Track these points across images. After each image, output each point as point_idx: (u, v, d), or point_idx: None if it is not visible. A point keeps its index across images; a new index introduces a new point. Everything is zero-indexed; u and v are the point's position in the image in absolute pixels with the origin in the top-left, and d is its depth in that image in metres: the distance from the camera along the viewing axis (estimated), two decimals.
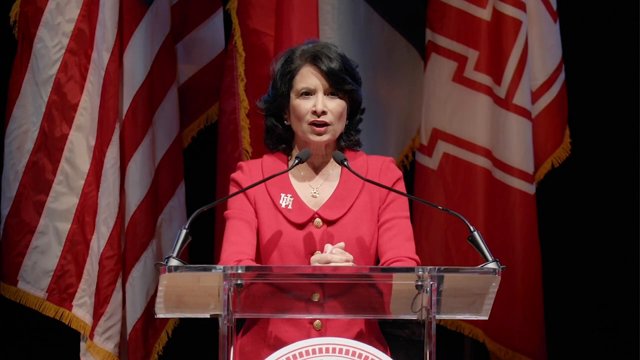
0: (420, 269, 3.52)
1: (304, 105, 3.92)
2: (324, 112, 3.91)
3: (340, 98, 3.94)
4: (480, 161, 6.07)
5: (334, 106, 3.92)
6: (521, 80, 6.03)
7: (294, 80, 3.94)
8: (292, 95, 3.95)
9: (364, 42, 6.01)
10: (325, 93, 3.93)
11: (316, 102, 3.91)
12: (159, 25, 5.77)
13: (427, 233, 6.09)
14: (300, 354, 3.43)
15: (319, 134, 3.92)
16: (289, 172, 3.94)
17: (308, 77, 3.93)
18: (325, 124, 3.91)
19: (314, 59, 3.92)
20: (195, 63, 6.00)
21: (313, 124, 3.91)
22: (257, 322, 3.88)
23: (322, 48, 3.95)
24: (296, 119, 3.94)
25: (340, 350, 3.44)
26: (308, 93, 3.93)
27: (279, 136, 4.02)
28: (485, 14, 6.09)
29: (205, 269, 3.50)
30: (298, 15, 5.75)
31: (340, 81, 3.91)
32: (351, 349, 3.45)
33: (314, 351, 3.43)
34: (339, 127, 3.95)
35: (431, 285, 3.51)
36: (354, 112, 4.01)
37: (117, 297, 5.56)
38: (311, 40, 4.05)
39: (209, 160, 5.96)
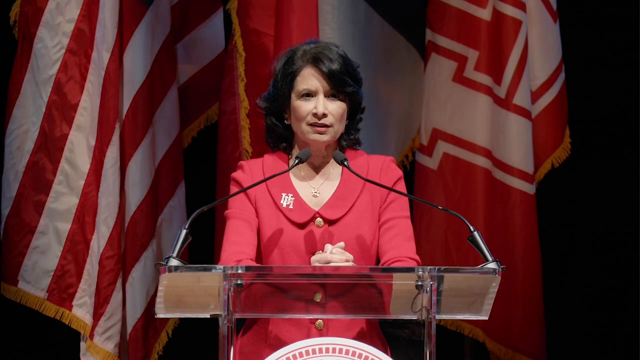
0: (420, 269, 3.52)
1: (305, 107, 3.92)
2: (324, 115, 3.91)
3: (341, 100, 3.94)
4: (480, 161, 6.07)
5: (335, 108, 3.93)
6: (521, 80, 6.02)
7: (295, 81, 3.94)
8: (293, 96, 3.95)
9: (364, 42, 6.01)
10: (326, 95, 3.93)
11: (317, 105, 3.91)
12: (159, 25, 5.77)
13: (427, 233, 6.08)
14: (301, 354, 3.43)
15: (320, 133, 3.92)
16: (290, 171, 3.94)
17: (309, 79, 3.93)
18: (325, 126, 3.91)
19: (315, 60, 3.92)
20: (195, 63, 5.99)
21: (313, 125, 3.91)
22: (257, 321, 3.88)
23: (323, 49, 3.95)
24: (296, 120, 3.94)
25: (341, 350, 3.44)
26: (309, 94, 3.93)
27: (279, 135, 4.02)
28: (485, 14, 6.09)
29: (205, 269, 3.50)
30: (298, 15, 5.75)
31: (341, 83, 3.91)
32: (351, 349, 3.45)
33: (314, 351, 3.43)
34: (339, 129, 3.95)
35: (431, 285, 3.51)
36: (354, 111, 4.01)
37: (117, 297, 5.56)
38: (313, 39, 4.05)
39: (209, 160, 5.96)
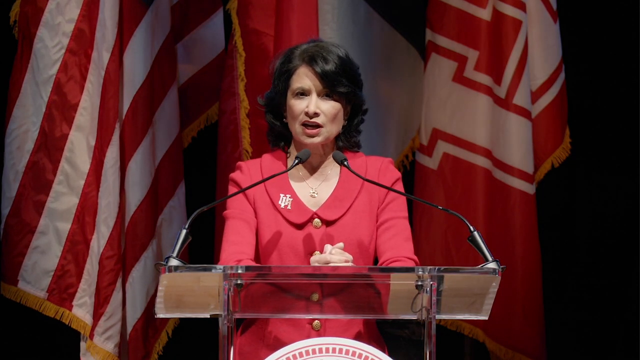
0: (420, 269, 3.52)
1: (298, 106, 3.93)
2: (316, 114, 3.91)
3: (336, 100, 3.93)
4: (480, 161, 6.07)
5: (328, 108, 3.92)
6: (521, 80, 6.02)
7: (291, 80, 3.95)
8: (289, 94, 3.95)
9: (364, 42, 6.01)
10: (320, 94, 3.93)
11: (309, 104, 3.91)
12: (159, 25, 5.77)
13: (427, 233, 6.08)
14: (300, 354, 3.43)
15: (311, 136, 3.92)
16: (288, 172, 3.94)
17: (303, 78, 3.93)
18: (317, 126, 3.91)
19: (311, 60, 3.92)
20: (195, 63, 5.99)
21: (305, 124, 3.92)
22: (254, 321, 3.88)
23: (321, 49, 3.95)
24: (291, 119, 3.95)
25: (340, 350, 3.44)
26: (303, 93, 3.93)
27: (278, 133, 4.03)
28: (485, 14, 6.09)
29: (205, 269, 3.50)
30: (298, 15, 5.75)
31: (335, 83, 3.91)
32: (351, 349, 3.45)
33: (313, 351, 3.43)
34: (332, 129, 3.94)
35: (431, 285, 3.51)
36: (354, 113, 4.01)
37: (117, 297, 5.56)
38: (315, 39, 4.05)
39: (209, 160, 5.96)
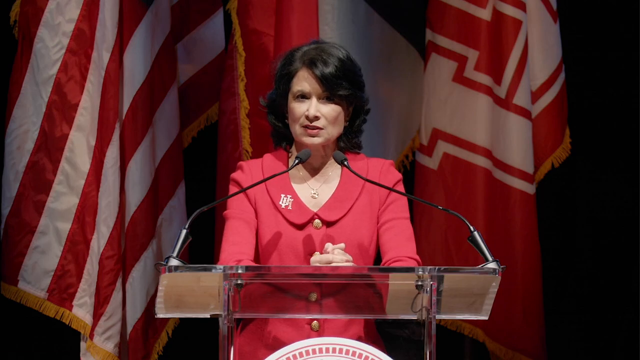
0: (420, 269, 3.52)
1: (299, 109, 3.93)
2: (316, 117, 3.91)
3: (336, 103, 3.93)
4: (480, 161, 6.07)
5: (328, 111, 3.92)
6: (521, 80, 6.02)
7: (291, 83, 3.95)
8: (290, 97, 3.95)
9: (364, 42, 6.01)
10: (320, 97, 3.93)
11: (309, 107, 3.91)
12: (159, 25, 5.77)
13: (427, 233, 6.08)
14: (300, 354, 3.43)
15: (312, 136, 3.92)
16: (289, 172, 3.94)
17: (303, 81, 3.93)
18: (317, 129, 3.91)
19: (311, 62, 3.92)
20: (195, 63, 5.99)
21: (306, 127, 3.92)
22: (253, 321, 3.88)
23: (321, 51, 3.94)
24: (292, 121, 3.95)
25: (341, 350, 3.44)
26: (303, 96, 3.93)
27: (280, 134, 4.03)
28: (485, 14, 6.09)
29: (205, 269, 3.50)
30: (298, 15, 5.75)
31: (335, 86, 3.90)
32: (351, 349, 3.45)
33: (314, 351, 3.43)
34: (333, 131, 3.94)
35: (431, 285, 3.51)
36: (356, 114, 4.00)
37: (117, 297, 5.56)
38: (317, 39, 4.04)
39: (209, 160, 5.96)
